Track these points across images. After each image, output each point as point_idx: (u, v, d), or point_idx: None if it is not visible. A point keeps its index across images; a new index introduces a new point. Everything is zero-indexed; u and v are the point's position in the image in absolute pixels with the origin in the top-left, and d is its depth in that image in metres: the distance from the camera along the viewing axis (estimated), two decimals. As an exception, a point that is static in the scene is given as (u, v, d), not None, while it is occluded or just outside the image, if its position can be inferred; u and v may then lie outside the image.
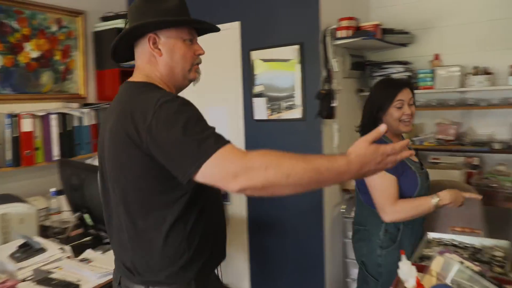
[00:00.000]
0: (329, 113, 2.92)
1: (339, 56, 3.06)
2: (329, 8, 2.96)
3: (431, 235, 1.83)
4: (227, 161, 1.07)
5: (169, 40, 1.36)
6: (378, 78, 3.38)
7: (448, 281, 1.19)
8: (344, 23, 2.94)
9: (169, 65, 1.37)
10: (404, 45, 3.42)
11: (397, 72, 3.31)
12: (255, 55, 3.22)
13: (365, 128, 2.09)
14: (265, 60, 3.18)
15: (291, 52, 3.02)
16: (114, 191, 1.33)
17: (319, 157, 1.11)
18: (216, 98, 3.44)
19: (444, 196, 1.86)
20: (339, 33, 2.93)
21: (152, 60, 1.37)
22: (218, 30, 1.47)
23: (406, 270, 1.29)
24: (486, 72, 3.07)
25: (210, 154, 1.07)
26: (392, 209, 1.89)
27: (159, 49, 1.36)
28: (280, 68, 3.16)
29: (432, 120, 3.43)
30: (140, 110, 1.19)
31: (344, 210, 3.17)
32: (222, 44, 3.32)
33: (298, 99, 3.01)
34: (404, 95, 2.01)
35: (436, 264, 1.31)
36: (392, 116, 1.99)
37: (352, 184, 3.19)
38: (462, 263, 1.23)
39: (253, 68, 3.28)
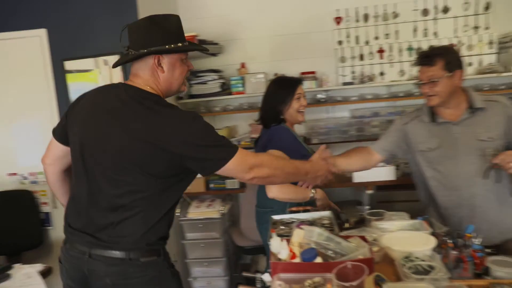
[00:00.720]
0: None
1: (159, 65, 3.14)
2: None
3: (275, 217, 2.10)
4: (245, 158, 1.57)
5: (171, 60, 1.60)
6: (195, 85, 3.61)
7: (312, 244, 1.45)
8: (163, 33, 3.03)
9: (169, 81, 1.62)
10: (214, 54, 3.73)
11: (212, 80, 3.60)
12: (70, 65, 3.04)
13: (267, 120, 2.35)
14: (75, 71, 3.05)
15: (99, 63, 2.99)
16: (112, 178, 1.53)
17: (296, 161, 1.88)
18: (24, 112, 3.08)
19: (319, 194, 2.26)
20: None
21: (155, 74, 1.60)
22: (207, 51, 1.83)
23: (277, 244, 1.50)
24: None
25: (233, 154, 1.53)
26: (278, 188, 2.17)
27: (162, 67, 1.59)
28: (84, 80, 3.08)
29: (245, 122, 3.84)
30: (173, 125, 1.49)
31: (179, 214, 3.27)
32: (27, 53, 3.00)
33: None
34: (300, 89, 2.34)
35: (296, 236, 1.56)
36: (293, 107, 2.30)
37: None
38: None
39: (65, 79, 3.08)
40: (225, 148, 1.54)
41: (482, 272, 1.56)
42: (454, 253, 1.56)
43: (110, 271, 1.54)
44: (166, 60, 1.59)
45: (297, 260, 1.45)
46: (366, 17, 3.60)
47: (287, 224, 2.04)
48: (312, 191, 2.24)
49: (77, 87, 3.11)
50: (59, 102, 3.10)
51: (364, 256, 1.40)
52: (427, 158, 2.10)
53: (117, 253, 1.53)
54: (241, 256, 3.80)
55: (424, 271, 1.37)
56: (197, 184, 3.36)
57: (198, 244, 3.34)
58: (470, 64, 3.50)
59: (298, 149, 2.29)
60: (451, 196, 2.06)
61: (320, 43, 3.70)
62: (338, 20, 3.65)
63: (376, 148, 2.25)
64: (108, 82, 3.06)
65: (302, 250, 1.46)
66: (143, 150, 1.49)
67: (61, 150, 1.71)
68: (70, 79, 3.09)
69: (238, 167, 1.55)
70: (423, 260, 1.43)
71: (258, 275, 2.66)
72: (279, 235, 1.83)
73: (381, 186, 3.42)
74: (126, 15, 2.96)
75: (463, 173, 2.00)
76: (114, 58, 3.00)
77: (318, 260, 1.43)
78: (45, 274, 2.60)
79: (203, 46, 1.82)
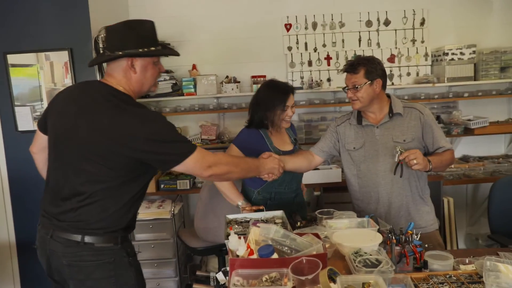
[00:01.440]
0: (108, 120, 2.92)
1: (110, 63, 3.09)
2: (97, 16, 2.96)
3: (229, 216, 2.16)
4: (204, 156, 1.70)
5: (143, 63, 1.71)
6: (146, 85, 3.57)
7: (269, 241, 1.52)
8: (115, 31, 2.98)
9: (141, 82, 1.74)
10: (165, 55, 3.70)
11: (163, 80, 3.58)
12: (13, 59, 2.91)
13: (253, 123, 2.45)
14: (16, 65, 2.94)
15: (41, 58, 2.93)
16: (73, 167, 1.64)
17: (249, 158, 2.13)
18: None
19: (244, 205, 2.39)
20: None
21: (128, 75, 1.71)
22: (178, 54, 1.97)
23: (234, 241, 1.56)
24: (235, 81, 3.69)
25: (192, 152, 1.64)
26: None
27: (135, 69, 1.70)
28: (25, 75, 2.99)
29: (195, 123, 3.86)
30: (136, 123, 1.58)
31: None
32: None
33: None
34: (289, 100, 2.40)
35: (253, 234, 1.62)
36: (277, 115, 2.39)
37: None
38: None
39: (8, 73, 2.95)
40: (186, 145, 1.67)
41: (421, 266, 1.71)
42: (397, 248, 1.70)
43: (66, 252, 1.66)
44: (139, 63, 1.70)
45: (254, 256, 1.51)
46: (314, 25, 3.75)
47: (241, 223, 2.11)
48: (239, 203, 2.40)
49: (20, 82, 2.99)
50: (0, 96, 2.95)
51: (318, 251, 1.50)
52: (352, 156, 2.34)
53: (73, 236, 1.64)
54: (190, 258, 3.80)
55: (372, 265, 1.48)
56: (147, 185, 3.32)
57: (148, 245, 3.31)
58: (408, 74, 3.77)
59: (251, 149, 2.40)
60: (371, 193, 2.30)
61: (270, 48, 3.81)
62: (288, 26, 3.77)
63: (315, 150, 2.47)
64: (49, 78, 3.00)
65: (259, 247, 1.52)
66: (106, 144, 1.59)
67: (45, 140, 1.81)
68: (14, 73, 2.95)
69: (197, 163, 1.67)
70: (371, 255, 1.55)
71: (212, 274, 2.71)
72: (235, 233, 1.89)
73: (327, 188, 3.57)
74: (76, 11, 2.89)
75: (381, 171, 2.24)
76: (57, 54, 2.93)
77: (275, 256, 1.50)
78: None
79: (174, 51, 1.95)
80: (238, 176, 1.99)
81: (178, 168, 1.66)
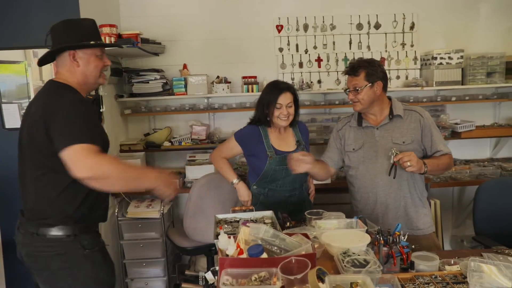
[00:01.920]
0: (98, 118, 2.91)
1: (100, 61, 3.07)
2: (88, 14, 2.92)
3: (219, 216, 2.16)
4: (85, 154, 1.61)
5: (85, 56, 1.84)
6: (137, 84, 3.57)
7: (259, 241, 1.53)
8: (106, 30, 2.97)
9: (85, 74, 1.85)
10: (156, 54, 3.70)
11: (154, 79, 3.57)
12: (0, 55, 2.89)
13: (257, 121, 2.55)
14: (3, 62, 2.93)
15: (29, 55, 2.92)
16: (25, 157, 1.80)
17: (144, 167, 2.05)
18: None
19: (237, 182, 2.63)
20: (102, 39, 2.94)
21: (72, 69, 1.84)
22: (121, 47, 2.13)
23: (224, 241, 1.56)
24: (226, 81, 3.69)
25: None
26: (217, 157, 2.69)
27: (77, 62, 1.83)
28: (11, 71, 2.96)
29: (186, 123, 3.85)
30: (55, 102, 1.72)
31: (117, 213, 3.21)
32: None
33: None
34: (283, 99, 2.44)
35: (243, 233, 1.63)
36: (273, 113, 2.45)
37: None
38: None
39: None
40: (79, 134, 1.64)
41: (408, 266, 1.74)
42: (385, 249, 1.72)
43: (25, 242, 1.81)
44: (81, 55, 1.83)
45: (244, 256, 1.52)
46: (306, 27, 3.78)
47: (230, 223, 2.12)
48: (234, 181, 2.64)
49: (7, 79, 2.96)
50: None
51: (307, 251, 1.52)
52: (351, 158, 2.37)
53: (31, 228, 1.78)
54: (180, 258, 3.80)
55: (360, 265, 1.50)
56: (137, 184, 3.31)
57: (137, 244, 3.29)
58: (398, 77, 3.82)
59: (249, 145, 2.58)
60: (369, 194, 2.33)
61: (262, 49, 3.82)
62: (279, 28, 3.79)
63: (327, 161, 2.50)
64: (37, 75, 2.98)
65: (248, 246, 1.54)
66: (35, 128, 1.71)
67: None
68: (1, 70, 2.92)
69: (78, 156, 1.60)
70: (359, 255, 1.57)
71: (201, 274, 2.71)
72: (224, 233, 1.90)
73: (317, 189, 3.58)
74: (66, 9, 2.85)
75: (379, 172, 2.26)
76: (45, 51, 2.90)
77: (264, 256, 1.52)
78: None
79: (117, 44, 2.07)
80: (120, 185, 1.76)
81: (63, 155, 1.61)
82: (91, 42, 1.84)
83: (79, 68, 1.83)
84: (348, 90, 2.30)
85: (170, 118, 3.90)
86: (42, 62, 1.94)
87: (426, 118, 2.28)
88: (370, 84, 2.22)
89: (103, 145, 1.80)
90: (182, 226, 3.41)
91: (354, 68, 2.25)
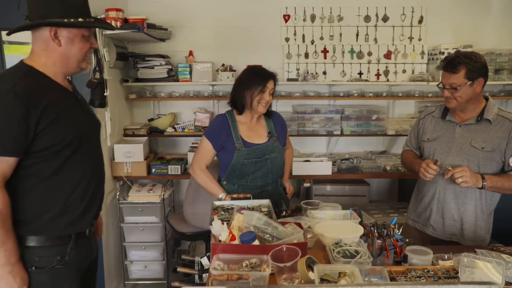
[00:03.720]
0: (102, 103, 2.92)
1: (105, 46, 3.08)
2: (95, -4, 2.94)
3: (216, 203, 2.18)
4: None
5: (70, 35, 1.54)
6: (142, 69, 3.58)
7: (251, 228, 1.55)
8: (112, 14, 2.99)
9: (66, 55, 1.56)
10: (163, 40, 3.70)
11: (159, 65, 3.58)
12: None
13: (232, 102, 2.45)
14: (12, 43, 2.93)
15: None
16: None
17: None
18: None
19: (225, 197, 2.37)
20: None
21: (50, 48, 1.54)
22: (113, 29, 1.81)
23: (217, 227, 1.58)
24: (231, 69, 3.69)
25: None
26: (197, 170, 2.44)
27: (59, 40, 1.53)
28: (20, 53, 2.97)
29: (190, 109, 3.87)
30: None
31: (118, 196, 3.25)
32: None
33: (66, 87, 2.89)
34: (270, 84, 2.37)
35: (237, 220, 1.65)
36: (254, 97, 2.34)
37: (123, 171, 3.30)
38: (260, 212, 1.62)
39: (2, 50, 2.94)
40: None
41: (401, 259, 1.75)
42: (379, 242, 1.73)
43: None
44: (64, 34, 1.54)
45: (236, 242, 1.54)
46: (313, 18, 3.75)
47: (227, 210, 2.13)
48: (220, 195, 2.40)
49: (15, 60, 2.98)
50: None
51: (298, 240, 1.53)
52: (425, 148, 2.29)
53: None
54: (179, 243, 3.84)
55: (350, 255, 1.52)
56: (139, 168, 3.35)
57: (137, 227, 3.34)
58: (404, 71, 3.78)
59: (220, 137, 2.42)
60: (430, 186, 2.26)
61: (268, 38, 3.80)
62: (286, 17, 3.77)
63: (410, 147, 2.44)
64: None
65: (241, 233, 1.55)
66: None
67: None
68: (10, 51, 2.94)
69: None
70: (350, 246, 1.58)
71: (196, 259, 2.75)
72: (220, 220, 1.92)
73: (317, 180, 3.61)
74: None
75: (449, 165, 2.11)
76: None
77: (256, 243, 1.53)
78: None
79: (108, 24, 1.75)
80: None
81: None
82: (79, 20, 1.54)
83: (60, 48, 1.55)
84: (442, 85, 2.12)
85: (174, 104, 3.91)
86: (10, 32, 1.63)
87: None
88: (470, 82, 2.04)
89: (57, 142, 1.55)
90: (182, 211, 3.45)
91: (453, 64, 2.04)
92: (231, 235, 1.54)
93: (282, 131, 2.59)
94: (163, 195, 3.33)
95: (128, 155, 3.29)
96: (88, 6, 1.62)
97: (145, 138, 3.56)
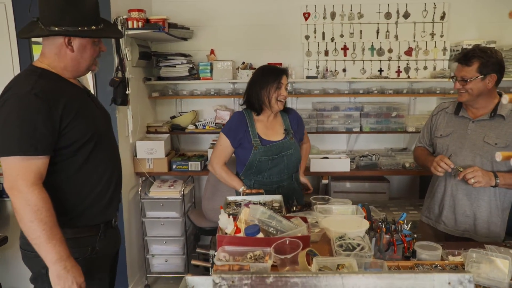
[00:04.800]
0: (124, 100, 3.04)
1: (128, 45, 3.20)
2: (118, -2, 3.05)
3: (229, 198, 2.24)
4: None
5: (82, 42, 1.64)
6: (164, 68, 3.68)
7: (256, 221, 1.60)
8: (134, 15, 3.09)
9: (77, 61, 1.66)
10: (185, 39, 3.79)
11: (181, 64, 3.67)
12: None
13: (249, 104, 2.47)
14: (36, 43, 3.04)
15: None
16: None
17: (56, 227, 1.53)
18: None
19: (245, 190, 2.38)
20: (130, 24, 3.06)
21: (62, 52, 1.63)
22: (121, 36, 1.84)
23: (224, 220, 1.64)
24: (251, 67, 3.74)
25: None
26: (216, 167, 2.51)
27: (72, 47, 1.62)
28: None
29: (211, 107, 3.94)
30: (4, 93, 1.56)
31: (140, 192, 3.37)
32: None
33: (89, 87, 3.01)
34: (284, 79, 2.42)
35: (244, 214, 1.71)
36: (271, 94, 2.39)
37: (145, 168, 3.41)
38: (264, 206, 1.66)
39: (31, 51, 3.09)
40: (13, 143, 1.49)
41: (410, 255, 1.76)
42: (386, 237, 1.75)
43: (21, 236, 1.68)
44: (77, 41, 1.63)
45: (241, 234, 1.59)
46: (333, 15, 3.75)
47: (240, 205, 2.19)
48: (241, 189, 2.44)
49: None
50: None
51: (302, 234, 1.57)
52: (438, 143, 2.29)
53: None
54: (199, 238, 3.93)
55: (352, 249, 1.54)
56: (160, 164, 3.45)
57: (158, 222, 3.44)
58: (425, 68, 3.73)
59: (238, 134, 2.46)
60: (441, 182, 2.27)
61: (288, 36, 3.83)
62: (306, 15, 3.79)
63: (422, 143, 2.45)
64: None
65: (247, 226, 1.61)
66: None
67: None
68: (37, 51, 3.09)
69: (7, 172, 1.50)
70: (353, 240, 1.61)
71: (211, 252, 2.81)
72: (230, 214, 1.98)
73: (335, 177, 3.62)
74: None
75: (458, 165, 2.12)
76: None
77: (260, 235, 1.58)
78: (1, 242, 2.68)
79: (118, 32, 1.83)
80: (20, 221, 1.51)
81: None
82: (92, 27, 1.63)
83: (72, 54, 1.64)
84: (455, 78, 2.15)
85: (196, 102, 4.00)
86: (21, 33, 1.68)
87: None
88: (482, 76, 2.05)
89: (79, 138, 1.63)
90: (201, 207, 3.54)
91: (467, 57, 2.07)
92: (235, 228, 1.59)
93: (298, 128, 2.61)
94: (183, 191, 3.42)
95: (149, 152, 3.39)
96: (99, 12, 1.70)
97: (167, 135, 3.66)
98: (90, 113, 1.71)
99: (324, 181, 3.52)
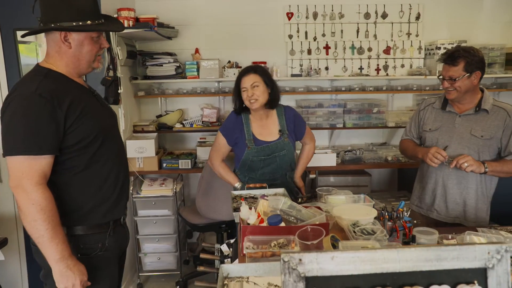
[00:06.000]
0: (116, 99, 3.04)
1: (117, 44, 3.19)
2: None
3: (234, 192, 2.32)
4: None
5: (79, 37, 1.61)
6: (151, 67, 3.69)
7: (278, 211, 1.69)
8: (124, 13, 3.10)
9: (77, 57, 1.64)
10: (170, 38, 3.81)
11: (168, 63, 3.69)
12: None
13: (237, 110, 2.54)
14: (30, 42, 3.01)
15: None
16: None
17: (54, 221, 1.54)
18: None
19: (240, 187, 2.53)
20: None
21: (62, 50, 1.62)
22: (123, 29, 1.80)
23: (245, 211, 1.72)
24: (238, 66, 3.82)
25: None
26: (214, 163, 2.62)
27: (69, 43, 1.60)
28: (22, 52, 3.07)
29: (197, 106, 3.99)
30: (12, 94, 1.56)
31: (131, 191, 3.37)
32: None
33: (82, 85, 2.99)
34: (245, 81, 2.44)
35: (261, 206, 1.79)
36: (243, 96, 2.46)
37: (135, 167, 3.41)
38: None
39: (17, 51, 3.03)
40: (19, 143, 1.51)
41: (410, 240, 1.90)
42: (389, 224, 1.88)
43: None
44: (74, 37, 1.60)
45: (264, 224, 1.68)
46: (315, 15, 3.89)
47: (246, 198, 2.27)
48: (236, 185, 2.56)
49: (29, 61, 3.06)
50: (8, 76, 3.02)
51: (320, 222, 1.67)
52: (427, 137, 2.44)
53: None
54: (191, 235, 3.98)
55: (368, 234, 1.67)
56: (150, 163, 3.47)
57: (150, 221, 3.46)
58: (402, 66, 3.95)
59: (234, 134, 2.54)
60: (433, 173, 2.42)
61: (272, 36, 3.94)
62: (289, 15, 3.90)
63: (409, 136, 2.58)
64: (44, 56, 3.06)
65: (268, 216, 1.69)
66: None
67: None
68: (24, 51, 3.03)
69: (12, 171, 1.52)
70: (367, 226, 1.73)
71: (217, 246, 2.88)
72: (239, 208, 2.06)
73: (322, 172, 3.76)
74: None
75: (449, 157, 2.25)
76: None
77: (282, 224, 1.67)
78: (1, 244, 2.63)
79: (119, 25, 1.80)
80: (24, 220, 1.52)
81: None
82: (88, 22, 1.59)
83: (70, 50, 1.62)
84: (441, 77, 2.29)
85: (181, 100, 4.03)
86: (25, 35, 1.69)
87: None
88: (468, 74, 2.20)
89: (85, 137, 1.64)
90: (193, 204, 3.58)
91: (453, 57, 2.21)
92: (260, 218, 1.68)
93: (295, 127, 2.62)
94: (175, 189, 3.46)
95: (140, 151, 3.40)
96: (98, 7, 1.68)
97: (155, 134, 3.67)
98: (95, 112, 1.72)
99: (312, 176, 3.65)
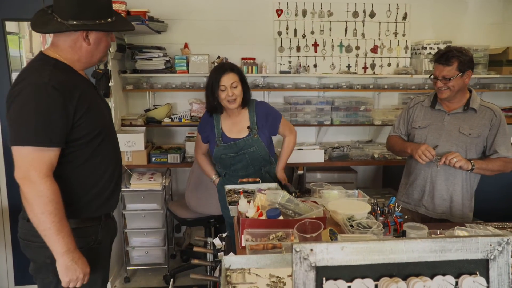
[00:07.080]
0: (106, 93, 3.02)
1: (108, 37, 3.16)
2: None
3: (227, 187, 2.33)
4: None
5: (98, 35, 1.65)
6: (140, 60, 3.66)
7: (276, 205, 1.72)
8: (116, 6, 3.06)
9: (92, 53, 1.67)
10: (159, 32, 3.79)
11: (157, 57, 3.67)
12: (13, 26, 2.93)
13: (211, 109, 2.52)
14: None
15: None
16: None
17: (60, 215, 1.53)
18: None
19: (216, 179, 2.71)
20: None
21: (77, 46, 1.63)
22: (133, 29, 1.83)
23: (244, 205, 1.74)
24: (227, 61, 3.82)
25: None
26: (196, 156, 2.78)
27: (89, 40, 1.63)
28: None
29: (186, 100, 3.98)
30: (21, 84, 1.53)
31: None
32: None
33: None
34: (225, 80, 2.38)
35: (259, 199, 1.82)
36: (220, 97, 2.42)
37: (124, 160, 3.39)
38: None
39: (6, 42, 2.98)
40: (26, 134, 1.49)
41: (400, 234, 1.96)
42: (381, 219, 1.93)
43: (19, 226, 1.72)
44: (93, 35, 1.64)
45: (263, 217, 1.71)
46: (304, 13, 3.93)
47: (238, 192, 2.29)
48: (213, 177, 2.72)
49: (12, 52, 3.01)
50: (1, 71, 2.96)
51: (317, 215, 1.71)
52: (416, 134, 2.50)
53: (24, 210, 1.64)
54: (179, 229, 3.98)
55: (364, 228, 1.71)
56: (139, 157, 3.45)
57: (138, 215, 3.44)
58: (389, 65, 4.02)
59: (206, 132, 2.62)
60: (422, 170, 2.48)
61: (261, 32, 3.96)
62: (279, 12, 3.93)
63: (398, 133, 2.63)
64: (28, 48, 3.00)
65: (265, 210, 1.72)
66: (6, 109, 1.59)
67: None
68: (13, 44, 2.97)
69: (19, 162, 1.51)
70: (362, 220, 1.78)
71: (209, 239, 2.88)
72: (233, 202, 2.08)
73: (310, 168, 3.81)
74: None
75: (437, 155, 2.33)
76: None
77: (280, 218, 1.70)
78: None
79: (130, 24, 1.83)
80: (32, 211, 1.51)
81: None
82: (108, 20, 1.63)
83: (88, 47, 1.64)
84: (434, 77, 2.34)
85: (170, 95, 4.01)
86: (36, 26, 1.65)
87: (499, 119, 2.34)
88: (461, 73, 2.27)
89: (90, 132, 1.64)
90: (181, 198, 3.58)
91: (447, 57, 2.26)
92: (259, 211, 1.70)
93: (267, 123, 2.56)
94: (164, 183, 3.45)
95: (129, 145, 3.38)
96: (111, 4, 1.71)
97: (144, 128, 3.65)
98: (99, 107, 1.73)
99: (300, 172, 3.69)
